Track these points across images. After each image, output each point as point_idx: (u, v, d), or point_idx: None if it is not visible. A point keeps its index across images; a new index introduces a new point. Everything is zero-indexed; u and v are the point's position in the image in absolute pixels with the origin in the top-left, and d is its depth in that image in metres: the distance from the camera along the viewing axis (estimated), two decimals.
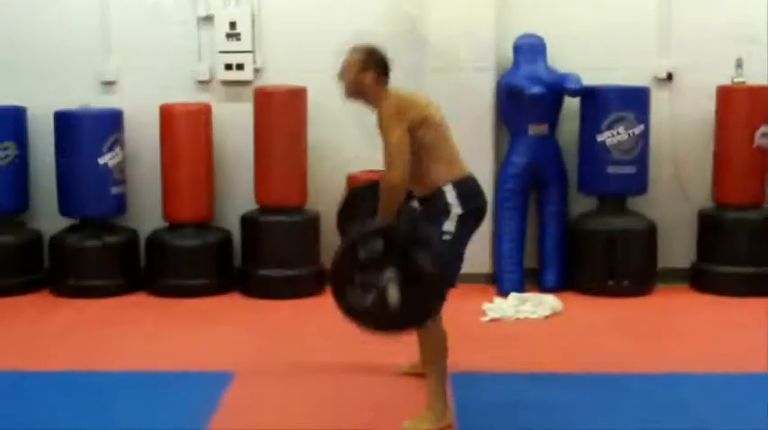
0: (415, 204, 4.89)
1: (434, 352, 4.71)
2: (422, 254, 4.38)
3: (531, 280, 7.24)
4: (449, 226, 4.71)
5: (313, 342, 6.05)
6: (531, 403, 5.01)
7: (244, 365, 5.52)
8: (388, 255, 4.37)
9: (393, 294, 4.30)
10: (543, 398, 5.07)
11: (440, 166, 4.76)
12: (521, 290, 7.02)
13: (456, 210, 4.70)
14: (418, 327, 4.60)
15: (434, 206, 4.74)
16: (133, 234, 7.29)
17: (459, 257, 4.82)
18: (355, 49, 4.87)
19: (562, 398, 5.07)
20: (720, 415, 4.85)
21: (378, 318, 4.40)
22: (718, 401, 5.04)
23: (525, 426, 4.69)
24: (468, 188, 4.80)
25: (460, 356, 5.51)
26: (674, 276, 7.37)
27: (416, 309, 4.44)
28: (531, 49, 7.15)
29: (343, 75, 4.87)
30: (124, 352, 5.83)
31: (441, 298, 4.50)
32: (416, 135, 4.68)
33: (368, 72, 4.77)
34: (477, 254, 7.25)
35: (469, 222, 4.80)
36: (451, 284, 4.82)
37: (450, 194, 4.71)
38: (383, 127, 4.69)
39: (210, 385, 5.20)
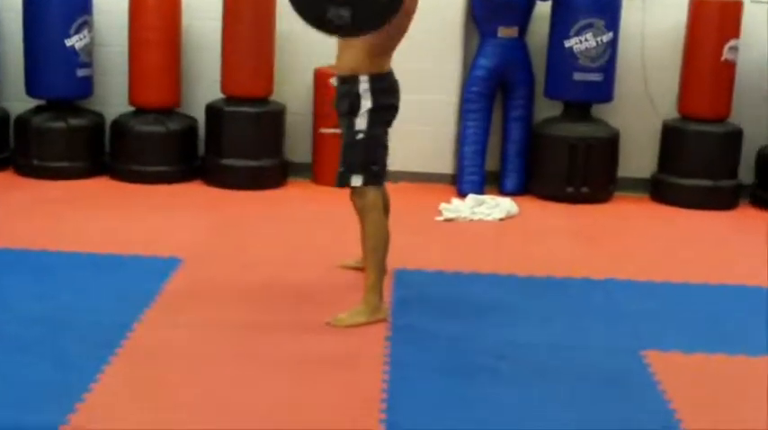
0: (335, 82, 4.85)
1: (373, 244, 4.75)
2: None
3: (492, 183, 7.30)
4: (360, 123, 4.69)
5: (266, 233, 6.12)
6: (468, 302, 5.09)
7: (193, 252, 5.59)
8: None
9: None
10: (481, 298, 5.15)
11: (368, 55, 4.65)
12: (480, 192, 7.07)
13: (365, 104, 4.66)
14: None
15: (346, 93, 4.70)
16: (99, 117, 7.31)
17: (377, 151, 4.78)
18: None
19: (500, 299, 5.16)
20: (650, 322, 4.94)
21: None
22: (651, 309, 5.12)
23: (458, 325, 4.77)
24: (382, 84, 4.73)
25: (408, 253, 5.65)
26: (635, 186, 7.43)
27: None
28: None
29: None
30: (76, 234, 5.90)
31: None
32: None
33: None
34: (440, 154, 7.37)
35: (381, 115, 4.74)
36: (381, 178, 4.85)
37: (364, 86, 4.66)
38: None
39: (156, 270, 5.27)
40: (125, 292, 4.96)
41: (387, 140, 4.87)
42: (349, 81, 4.72)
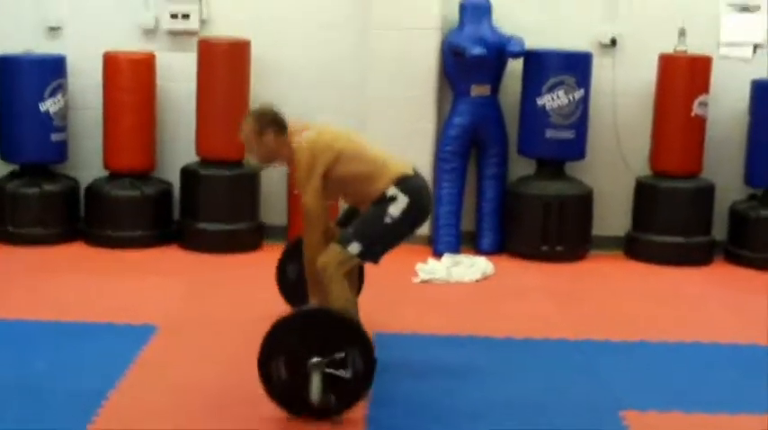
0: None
1: (340, 305, 4.74)
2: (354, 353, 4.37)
3: (468, 242, 7.31)
4: (394, 210, 4.75)
5: (241, 297, 6.09)
6: (445, 365, 5.09)
7: (168, 319, 5.58)
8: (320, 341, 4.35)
9: (314, 390, 4.27)
10: (458, 361, 5.15)
11: (376, 182, 4.80)
12: (457, 252, 7.08)
13: (403, 197, 4.74)
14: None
15: (380, 201, 4.79)
16: (73, 182, 7.30)
17: (391, 240, 4.88)
18: (246, 120, 4.89)
19: (477, 361, 5.16)
20: (628, 382, 4.94)
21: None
22: (629, 368, 5.12)
23: (433, 389, 4.76)
24: (411, 184, 4.84)
25: (385, 316, 5.67)
26: (609, 243, 7.46)
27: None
28: (476, 9, 7.14)
29: (248, 149, 4.98)
30: (51, 302, 5.87)
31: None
32: (338, 170, 4.75)
33: (266, 134, 4.79)
34: None
35: (414, 215, 4.83)
36: (374, 260, 4.94)
37: (394, 191, 4.76)
38: (299, 185, 4.80)
39: (132, 338, 5.25)
40: (100, 360, 4.93)
41: (404, 238, 4.92)
42: (379, 200, 4.77)
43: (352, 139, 4.92)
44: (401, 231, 4.84)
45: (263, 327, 5.37)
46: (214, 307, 5.90)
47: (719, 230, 7.36)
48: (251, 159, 5.01)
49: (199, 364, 4.97)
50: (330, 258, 4.76)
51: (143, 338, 5.23)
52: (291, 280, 5.56)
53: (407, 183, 4.81)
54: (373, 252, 4.83)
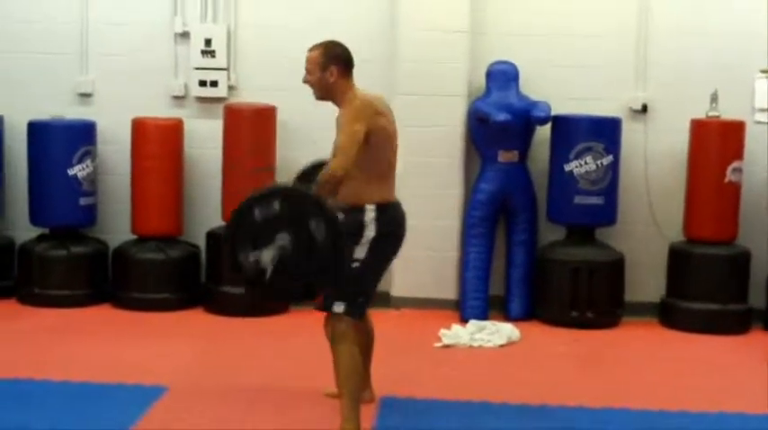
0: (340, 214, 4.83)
1: (345, 374, 4.68)
2: (320, 224, 4.32)
3: (497, 308, 7.19)
4: (359, 252, 4.67)
5: (258, 362, 6.03)
6: None
7: (180, 381, 5.52)
8: (283, 218, 4.31)
9: (266, 257, 4.24)
10: (467, 428, 5.00)
11: (370, 185, 4.72)
12: (484, 318, 6.97)
13: (369, 233, 4.67)
14: (306, 300, 4.53)
15: (351, 223, 4.68)
16: (102, 245, 7.34)
17: (369, 283, 4.80)
18: (314, 47, 4.85)
19: (486, 428, 5.00)
20: None
21: (264, 281, 4.35)
22: None
23: None
24: (388, 214, 4.76)
25: (400, 381, 5.58)
26: (643, 310, 7.28)
27: (303, 278, 4.40)
28: (503, 75, 7.12)
29: (307, 76, 4.87)
30: (66, 362, 5.85)
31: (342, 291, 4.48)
32: (369, 139, 4.65)
33: (330, 67, 4.76)
34: (444, 280, 7.30)
35: (383, 245, 4.74)
36: (363, 311, 4.85)
37: (370, 215, 4.68)
38: (343, 119, 4.69)
39: (139, 398, 5.20)
40: (103, 422, 4.88)
41: (384, 269, 4.84)
42: (354, 211, 4.69)
43: (394, 129, 4.84)
44: (374, 268, 4.75)
45: (273, 395, 5.36)
46: (228, 371, 5.83)
47: (757, 298, 7.15)
48: (308, 85, 4.88)
49: (196, 427, 4.88)
50: (332, 326, 4.70)
51: (151, 399, 5.18)
52: None
53: (385, 212, 4.71)
54: (358, 304, 4.73)
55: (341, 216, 4.69)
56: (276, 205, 4.35)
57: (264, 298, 4.46)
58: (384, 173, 4.80)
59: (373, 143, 4.68)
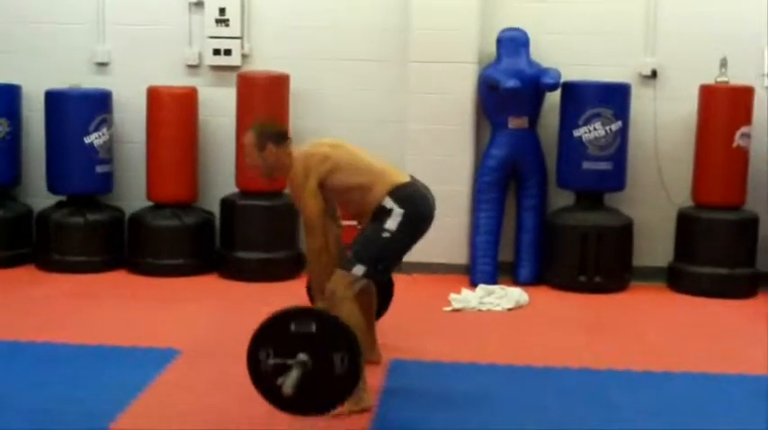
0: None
1: None
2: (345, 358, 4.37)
3: (506, 273, 7.29)
4: (390, 224, 4.78)
5: None
6: (459, 393, 5.04)
7: (194, 344, 5.66)
8: (312, 341, 4.38)
9: (290, 382, 4.28)
10: (473, 389, 5.10)
11: (373, 191, 4.85)
12: (493, 282, 7.07)
13: (397, 210, 4.77)
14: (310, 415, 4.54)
15: (378, 214, 4.83)
16: (118, 212, 7.48)
17: (393, 254, 4.90)
18: (247, 134, 5.00)
19: (492, 390, 5.11)
20: (644, 413, 4.85)
21: (275, 395, 4.40)
22: (643, 399, 5.03)
23: (444, 417, 4.73)
24: (405, 193, 4.86)
25: (408, 344, 5.70)
26: (652, 275, 7.37)
27: (314, 403, 4.43)
28: (512, 42, 7.18)
29: (251, 162, 5.02)
30: (82, 326, 6.01)
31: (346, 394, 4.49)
32: (334, 181, 4.81)
33: (267, 148, 4.90)
34: (454, 245, 7.39)
35: (413, 224, 4.85)
36: (381, 278, 4.98)
37: (389, 202, 4.79)
38: (295, 195, 4.89)
39: (153, 361, 5.34)
40: (117, 383, 5.02)
41: (408, 248, 4.93)
42: (378, 210, 4.81)
43: (349, 151, 4.96)
44: (402, 243, 4.85)
45: None
46: (241, 334, 5.92)
47: (764, 263, 7.22)
48: (254, 170, 5.05)
49: (211, 390, 5.01)
50: (337, 283, 4.81)
51: (164, 362, 5.32)
52: None
53: (402, 192, 4.82)
54: (377, 270, 4.85)
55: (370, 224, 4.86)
56: (312, 326, 4.40)
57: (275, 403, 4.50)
58: (375, 176, 4.89)
59: (338, 177, 4.82)
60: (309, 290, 5.61)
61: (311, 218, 4.79)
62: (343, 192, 4.87)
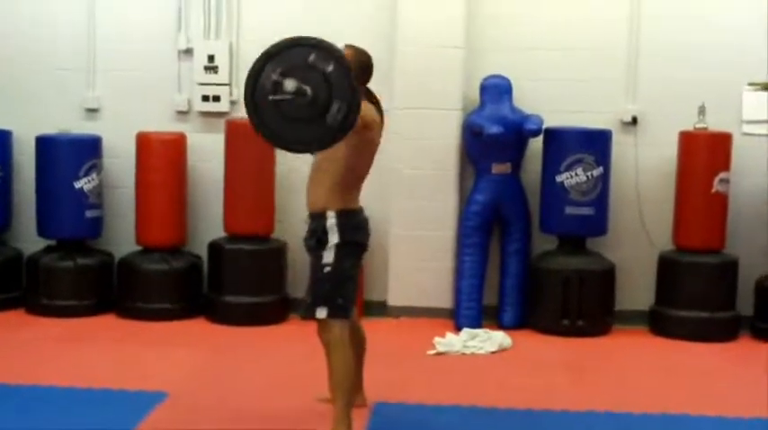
0: (308, 219, 5.02)
1: (337, 379, 4.87)
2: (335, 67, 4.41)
3: (490, 317, 7.38)
4: (327, 257, 4.86)
5: (257, 369, 6.22)
6: None
7: (181, 388, 5.72)
8: (322, 79, 4.40)
9: (289, 84, 4.35)
10: None
11: (336, 189, 4.87)
12: (477, 326, 7.15)
13: (333, 239, 4.85)
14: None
15: (315, 229, 4.90)
16: (107, 256, 7.56)
17: (345, 286, 4.92)
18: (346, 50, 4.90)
19: None
20: None
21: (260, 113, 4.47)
22: None
23: None
24: (349, 221, 4.91)
25: (392, 387, 5.75)
26: (634, 318, 7.46)
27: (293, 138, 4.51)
28: (496, 89, 7.31)
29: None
30: (70, 369, 6.06)
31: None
32: (354, 137, 4.70)
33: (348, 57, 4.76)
34: (439, 289, 7.48)
35: (348, 251, 4.91)
36: (347, 312, 4.98)
37: (331, 221, 4.86)
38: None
39: (140, 404, 5.40)
40: (104, 425, 5.09)
41: (356, 274, 5.01)
42: (318, 217, 4.91)
43: (377, 146, 5.00)
44: (344, 270, 4.88)
45: (270, 403, 5.53)
46: (228, 378, 6.02)
47: (744, 306, 7.32)
48: None
49: None
50: (323, 333, 4.90)
51: (151, 405, 5.38)
52: None
53: (346, 218, 4.87)
54: (339, 305, 4.89)
55: (308, 221, 4.94)
56: (330, 66, 4.42)
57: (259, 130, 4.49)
58: (350, 183, 4.96)
59: (354, 150, 4.83)
60: None
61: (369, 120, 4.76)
62: (339, 155, 4.80)
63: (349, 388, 4.90)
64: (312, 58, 4.45)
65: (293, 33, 7.38)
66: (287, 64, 4.46)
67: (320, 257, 4.86)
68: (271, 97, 4.43)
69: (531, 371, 6.37)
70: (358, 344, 5.26)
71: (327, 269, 4.85)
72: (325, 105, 4.41)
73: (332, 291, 4.87)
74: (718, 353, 6.95)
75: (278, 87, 4.43)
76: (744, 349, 7.05)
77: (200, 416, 5.31)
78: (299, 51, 4.49)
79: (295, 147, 4.66)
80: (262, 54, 4.54)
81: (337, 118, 4.42)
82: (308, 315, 4.88)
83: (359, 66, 4.90)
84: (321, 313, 4.85)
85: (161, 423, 5.17)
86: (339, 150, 4.79)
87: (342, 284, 4.90)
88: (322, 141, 4.52)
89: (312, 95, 4.40)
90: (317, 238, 4.88)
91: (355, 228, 4.96)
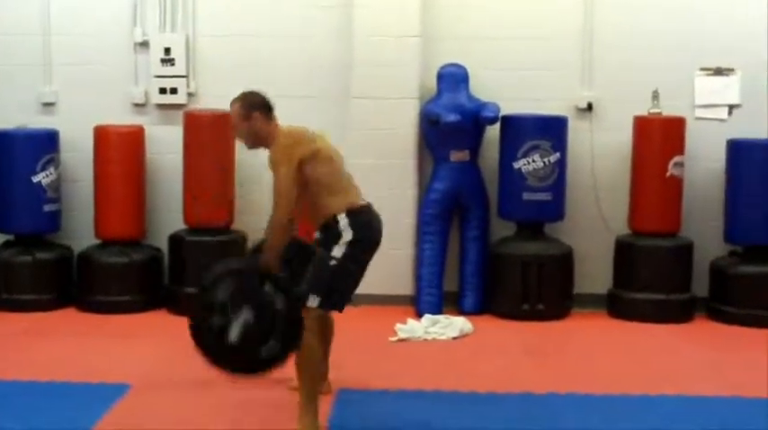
0: (317, 235, 5.10)
1: (304, 366, 4.89)
2: (279, 297, 4.62)
3: (451, 303, 7.44)
4: (336, 251, 4.92)
5: None
6: (405, 421, 5.18)
7: (143, 378, 5.74)
8: (242, 296, 4.60)
9: (234, 331, 4.52)
10: (419, 416, 5.23)
11: (334, 197, 4.99)
12: (439, 312, 7.21)
13: (347, 236, 4.91)
14: (270, 369, 4.79)
15: (328, 233, 4.96)
16: (66, 250, 7.53)
17: (345, 282, 5.01)
18: (233, 101, 5.11)
19: (438, 416, 5.24)
20: None
21: (230, 358, 4.67)
22: (584, 419, 5.20)
23: None
24: (361, 218, 5.01)
25: (355, 373, 5.81)
26: (592, 302, 7.55)
27: (271, 350, 4.68)
28: (452, 77, 7.37)
29: (235, 130, 5.13)
30: (31, 363, 6.06)
31: (295, 339, 4.72)
32: (307, 169, 4.88)
33: (253, 115, 5.00)
34: (399, 276, 7.52)
35: (359, 249, 4.99)
36: (338, 307, 5.08)
37: (343, 222, 4.93)
38: (273, 165, 4.93)
39: (103, 396, 5.41)
40: (67, 418, 5.09)
41: (360, 273, 5.06)
42: (329, 224, 4.96)
43: (332, 147, 5.09)
44: (349, 270, 4.96)
45: (234, 394, 5.55)
46: (190, 370, 5.97)
47: (700, 288, 7.44)
48: (239, 141, 5.19)
49: (161, 423, 5.08)
50: None
51: (114, 397, 5.39)
52: None
53: (358, 217, 4.97)
54: (332, 300, 4.96)
55: (318, 235, 5.01)
56: (230, 284, 4.66)
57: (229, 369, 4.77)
58: (342, 184, 5.07)
59: (313, 167, 4.91)
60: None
61: (285, 189, 4.80)
62: (311, 183, 4.89)
63: (314, 375, 4.93)
64: (218, 293, 4.71)
65: (248, 26, 7.58)
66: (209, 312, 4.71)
67: (330, 250, 4.91)
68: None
69: (493, 355, 6.44)
70: (325, 332, 5.29)
71: (333, 262, 4.90)
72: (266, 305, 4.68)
73: (331, 285, 4.92)
74: (675, 333, 7.07)
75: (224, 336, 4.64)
76: (700, 329, 7.17)
77: (164, 407, 5.33)
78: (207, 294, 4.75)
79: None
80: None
81: (281, 302, 4.68)
82: (300, 299, 4.90)
83: (256, 106, 5.02)
84: (313, 301, 4.88)
85: (124, 415, 5.19)
86: (308, 184, 4.90)
87: (342, 280, 4.96)
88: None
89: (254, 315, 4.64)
90: (331, 238, 4.93)
91: (367, 224, 5.02)
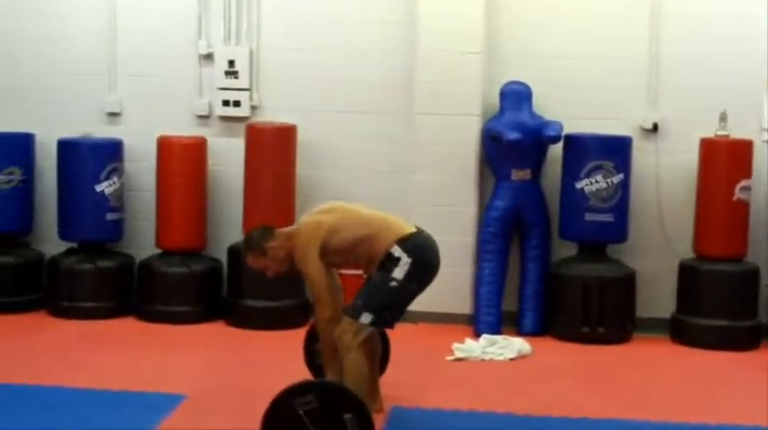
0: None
1: (352, 381, 4.89)
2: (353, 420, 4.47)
3: (510, 323, 7.36)
4: (398, 273, 4.94)
5: (278, 373, 6.17)
6: None
7: (199, 389, 5.74)
8: (319, 413, 4.48)
9: None
10: None
11: (377, 241, 5.01)
12: (497, 332, 7.14)
13: (405, 259, 4.92)
14: None
15: (385, 263, 4.98)
16: (127, 259, 7.60)
17: (401, 302, 5.05)
18: (247, 258, 5.27)
19: None
20: None
21: None
22: None
23: None
24: (413, 241, 5.01)
25: (410, 392, 5.77)
26: (655, 326, 7.41)
27: None
28: (515, 95, 7.31)
29: (270, 271, 5.22)
30: (91, 371, 6.09)
31: None
32: (334, 242, 5.00)
33: (267, 248, 5.11)
34: (458, 295, 7.47)
35: (420, 271, 4.99)
36: (389, 325, 5.11)
37: (398, 252, 4.94)
38: (299, 261, 5.05)
39: (159, 406, 5.42)
40: (123, 427, 5.13)
41: (415, 296, 5.07)
42: (386, 258, 4.97)
43: (344, 210, 5.16)
44: (409, 292, 4.99)
45: None
46: (246, 382, 6.03)
47: (766, 314, 7.28)
48: (282, 274, 5.31)
49: None
50: (344, 331, 4.94)
51: (169, 407, 5.40)
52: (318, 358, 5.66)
53: (409, 242, 4.98)
54: (384, 319, 4.98)
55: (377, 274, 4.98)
56: (313, 400, 4.50)
57: None
58: (376, 224, 5.09)
59: (339, 237, 5.01)
60: (306, 344, 5.71)
61: (318, 289, 4.98)
62: (348, 249, 5.03)
63: (363, 391, 4.90)
64: (296, 407, 4.50)
65: (313, 40, 7.60)
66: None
67: (391, 271, 4.93)
68: None
69: (550, 378, 6.35)
70: (373, 351, 5.26)
71: (393, 284, 4.93)
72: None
73: (386, 305, 4.95)
74: (740, 361, 6.91)
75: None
76: (765, 357, 6.99)
77: (219, 418, 5.33)
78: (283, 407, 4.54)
79: None
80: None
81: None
82: (354, 315, 4.92)
83: (262, 241, 5.12)
84: (366, 318, 4.91)
85: (179, 425, 5.20)
86: (349, 251, 5.04)
87: (398, 302, 5.00)
88: None
89: None
90: (390, 264, 4.95)
91: (421, 246, 5.04)
